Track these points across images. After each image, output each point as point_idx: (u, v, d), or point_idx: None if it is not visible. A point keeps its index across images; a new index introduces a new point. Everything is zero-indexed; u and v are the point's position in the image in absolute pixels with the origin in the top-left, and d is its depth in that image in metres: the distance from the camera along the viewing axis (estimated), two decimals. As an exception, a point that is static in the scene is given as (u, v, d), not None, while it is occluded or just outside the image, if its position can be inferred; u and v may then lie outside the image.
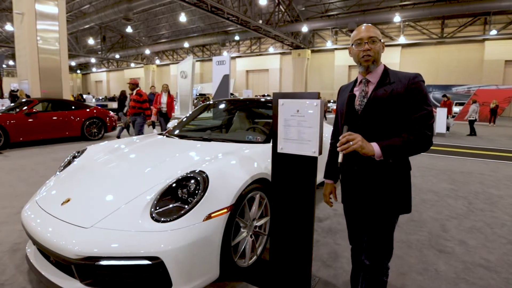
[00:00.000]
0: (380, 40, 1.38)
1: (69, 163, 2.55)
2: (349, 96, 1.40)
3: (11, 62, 36.08)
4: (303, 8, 22.93)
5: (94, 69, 45.20)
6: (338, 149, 1.28)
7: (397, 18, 20.21)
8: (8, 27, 23.18)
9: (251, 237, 2.12)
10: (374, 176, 1.39)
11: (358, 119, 1.40)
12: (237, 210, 1.90)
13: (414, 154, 1.32)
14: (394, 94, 1.32)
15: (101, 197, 1.86)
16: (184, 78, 15.23)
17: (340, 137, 1.28)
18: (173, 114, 7.80)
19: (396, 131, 1.33)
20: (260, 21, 20.92)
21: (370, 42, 1.36)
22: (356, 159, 1.41)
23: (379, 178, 1.39)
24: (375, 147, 1.28)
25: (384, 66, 1.43)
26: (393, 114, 1.33)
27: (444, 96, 11.98)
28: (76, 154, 2.70)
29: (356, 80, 1.50)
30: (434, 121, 1.33)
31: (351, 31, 24.90)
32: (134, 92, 6.18)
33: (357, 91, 1.45)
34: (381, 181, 1.38)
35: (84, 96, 24.32)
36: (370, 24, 1.41)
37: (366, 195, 1.43)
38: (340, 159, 1.29)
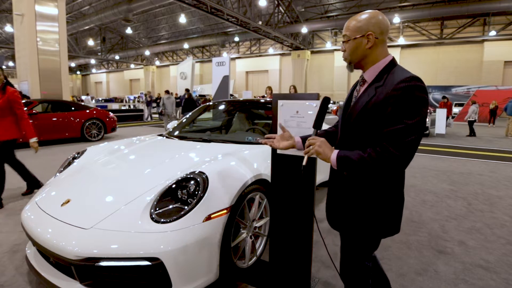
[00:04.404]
0: (358, 36, 1.15)
1: (69, 164, 2.56)
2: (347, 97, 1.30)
3: (11, 63, 36.08)
4: (303, 9, 22.97)
5: (94, 70, 45.22)
6: (303, 151, 1.22)
7: (396, 19, 20.24)
8: (8, 28, 23.20)
9: (250, 238, 2.12)
10: (344, 189, 1.24)
11: (344, 121, 1.25)
12: (236, 211, 1.90)
13: (374, 173, 1.11)
14: (373, 101, 1.10)
15: (101, 198, 1.86)
16: (184, 79, 15.23)
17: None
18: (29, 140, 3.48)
19: (377, 142, 1.11)
20: (260, 22, 20.94)
21: (343, 41, 1.21)
22: (332, 168, 1.26)
23: (350, 192, 1.21)
24: (332, 156, 1.14)
25: (389, 62, 1.16)
26: (370, 123, 1.12)
27: (444, 97, 12.03)
28: (76, 155, 2.70)
29: None
30: (412, 139, 1.03)
31: (351, 32, 24.72)
32: None
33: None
34: (352, 196, 1.21)
35: (83, 97, 24.32)
36: (353, 17, 1.20)
37: (336, 209, 1.29)
38: (304, 162, 1.24)
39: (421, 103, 1.04)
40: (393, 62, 1.17)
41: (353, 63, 1.22)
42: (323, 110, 1.29)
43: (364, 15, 1.16)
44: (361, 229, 1.21)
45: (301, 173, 1.29)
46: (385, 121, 1.07)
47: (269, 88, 8.27)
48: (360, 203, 1.19)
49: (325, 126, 3.57)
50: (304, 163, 1.23)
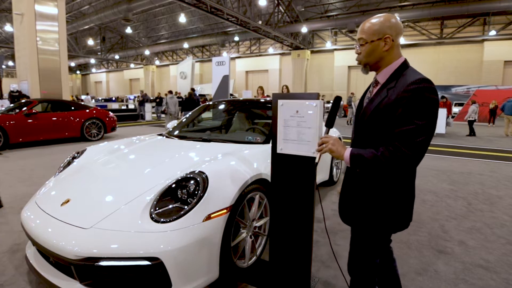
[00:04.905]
0: (375, 39, 1.18)
1: (69, 163, 2.55)
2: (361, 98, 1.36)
3: (10, 63, 36.06)
4: (303, 9, 22.95)
5: (93, 70, 45.19)
6: (316, 149, 1.30)
7: (396, 18, 20.23)
8: (8, 27, 23.18)
9: (250, 237, 2.12)
10: (357, 184, 1.29)
11: (357, 121, 1.30)
12: (236, 211, 1.90)
13: (387, 171, 1.16)
14: (385, 102, 1.15)
15: (100, 197, 1.86)
16: (183, 78, 15.29)
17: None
18: None
19: (389, 141, 1.16)
20: (260, 22, 20.92)
21: (360, 44, 1.23)
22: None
23: (363, 188, 1.26)
24: (345, 153, 1.19)
25: (401, 64, 1.20)
26: (382, 123, 1.16)
27: (442, 97, 12.03)
28: (76, 154, 2.70)
29: None
30: (423, 139, 1.08)
31: (351, 31, 24.98)
32: None
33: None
34: (364, 191, 1.26)
35: (83, 97, 24.31)
36: (367, 20, 1.22)
37: (349, 204, 1.34)
38: (317, 159, 1.32)
39: (431, 104, 1.08)
40: (405, 64, 1.21)
41: (369, 65, 1.26)
42: (335, 109, 1.34)
43: (379, 18, 1.19)
44: (372, 223, 1.25)
45: (314, 170, 1.41)
46: (397, 121, 1.11)
47: (261, 88, 8.41)
48: (372, 198, 1.24)
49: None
50: (316, 160, 1.30)
